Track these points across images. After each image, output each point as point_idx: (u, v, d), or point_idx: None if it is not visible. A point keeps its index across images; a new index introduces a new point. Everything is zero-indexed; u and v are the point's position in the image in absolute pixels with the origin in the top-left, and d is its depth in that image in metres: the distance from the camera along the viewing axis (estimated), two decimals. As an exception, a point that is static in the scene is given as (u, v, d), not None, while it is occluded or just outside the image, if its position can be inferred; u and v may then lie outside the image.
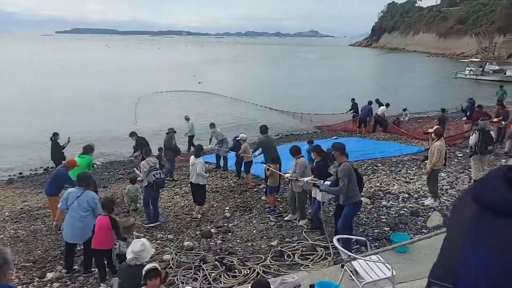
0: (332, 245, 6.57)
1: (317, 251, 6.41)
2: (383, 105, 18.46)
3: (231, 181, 11.71)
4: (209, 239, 7.65)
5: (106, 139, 18.46)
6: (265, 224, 8.27)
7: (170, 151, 12.48)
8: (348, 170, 5.96)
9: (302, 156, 8.34)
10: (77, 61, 67.80)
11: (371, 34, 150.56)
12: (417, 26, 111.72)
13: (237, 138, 11.84)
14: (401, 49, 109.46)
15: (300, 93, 33.33)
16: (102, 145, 16.71)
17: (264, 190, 10.22)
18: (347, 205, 6.04)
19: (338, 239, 4.57)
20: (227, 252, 6.90)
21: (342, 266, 5.39)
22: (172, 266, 6.46)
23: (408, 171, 11.55)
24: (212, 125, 13.39)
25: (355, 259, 4.34)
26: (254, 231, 7.93)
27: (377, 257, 4.62)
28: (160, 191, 9.10)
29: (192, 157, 9.08)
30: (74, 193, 6.47)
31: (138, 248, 4.47)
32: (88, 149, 9.56)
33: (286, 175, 8.53)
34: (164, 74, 47.55)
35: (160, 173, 8.61)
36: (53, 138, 12.79)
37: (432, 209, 8.16)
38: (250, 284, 3.83)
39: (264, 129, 10.02)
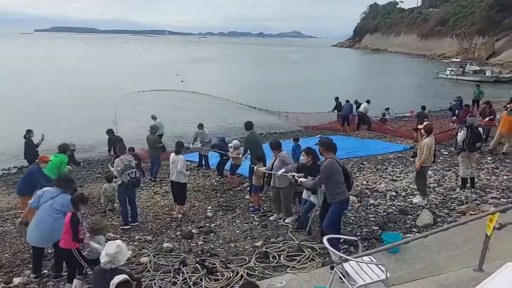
0: (319, 246, 6.26)
1: (304, 252, 6.07)
2: (363, 103, 18.40)
3: (214, 180, 11.32)
4: (190, 240, 7.25)
5: (84, 138, 17.82)
6: (249, 224, 7.91)
7: (156, 150, 11.92)
8: (330, 166, 5.64)
9: (282, 150, 8.00)
10: (56, 59, 66.31)
11: (353, 35, 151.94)
12: (398, 27, 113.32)
13: (224, 139, 11.48)
14: (383, 50, 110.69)
15: (285, 93, 33.19)
16: (79, 144, 16.06)
17: (248, 189, 9.89)
18: (333, 203, 5.73)
19: (328, 239, 4.23)
20: (208, 254, 6.51)
21: (332, 268, 5.08)
22: (150, 269, 6.04)
23: (395, 169, 11.37)
24: (201, 126, 12.70)
25: (346, 260, 4.02)
26: (237, 231, 7.56)
27: (368, 258, 4.31)
28: (137, 190, 8.64)
29: (173, 154, 8.61)
30: (50, 192, 5.98)
31: (113, 250, 4.08)
32: (63, 148, 9.01)
33: (262, 168, 8.18)
34: (146, 73, 46.78)
35: (135, 172, 8.15)
36: (26, 136, 12.19)
37: (421, 207, 7.93)
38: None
39: (249, 125, 9.61)
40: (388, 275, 4.05)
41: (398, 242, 4.69)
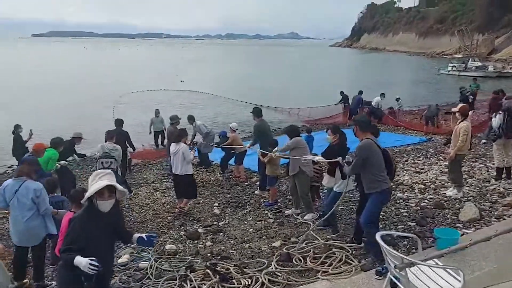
0: (351, 246, 5.30)
1: (335, 254, 5.09)
2: (376, 97, 17.44)
3: (218, 174, 10.33)
4: (196, 241, 6.26)
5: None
6: (263, 221, 6.93)
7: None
8: (366, 148, 4.71)
9: (300, 136, 7.11)
10: (54, 61, 65.30)
11: (351, 35, 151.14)
12: (396, 26, 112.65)
13: (226, 133, 10.40)
14: (381, 49, 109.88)
15: (285, 91, 32.27)
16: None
17: (257, 183, 8.92)
18: (372, 194, 4.75)
19: (381, 236, 3.27)
20: (219, 257, 5.53)
21: (378, 274, 4.12)
22: (151, 276, 5.04)
23: (416, 161, 10.45)
24: (191, 119, 11.20)
25: (412, 264, 3.04)
26: (250, 230, 6.58)
27: (433, 261, 3.34)
28: (136, 186, 7.67)
29: (173, 144, 7.55)
30: (11, 186, 4.95)
31: None
32: (55, 143, 7.95)
33: (276, 153, 7.27)
34: (145, 74, 45.75)
35: (111, 162, 7.20)
36: (14, 131, 11.19)
37: (458, 201, 6.99)
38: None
39: (259, 112, 8.53)
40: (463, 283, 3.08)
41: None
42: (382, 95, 17.45)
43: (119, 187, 3.29)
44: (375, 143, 4.87)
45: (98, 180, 3.22)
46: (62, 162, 7.83)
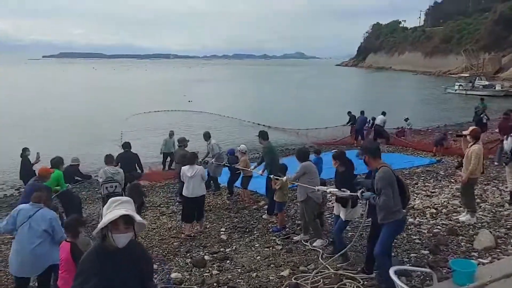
0: (362, 276, 5.12)
1: (345, 285, 4.91)
2: (379, 116, 17.36)
3: (225, 198, 10.20)
4: (202, 269, 6.11)
5: (87, 158, 16.81)
6: (271, 248, 6.77)
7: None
8: (390, 176, 4.57)
9: (310, 161, 7.00)
10: (64, 81, 66.33)
11: (357, 54, 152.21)
12: (402, 45, 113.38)
13: (234, 151, 10.16)
14: (387, 68, 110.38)
15: (293, 110, 32.31)
16: (82, 163, 15.04)
17: (265, 207, 8.78)
18: (387, 224, 4.59)
19: (395, 271, 3.12)
20: (226, 286, 5.38)
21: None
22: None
23: (426, 184, 10.24)
24: (207, 136, 10.84)
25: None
26: (258, 258, 6.41)
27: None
28: (142, 210, 7.57)
29: (188, 167, 7.47)
30: (26, 211, 4.88)
31: None
32: (56, 162, 8.01)
33: (284, 178, 7.17)
34: (154, 94, 46.19)
35: (115, 186, 7.14)
36: (22, 154, 11.21)
37: (471, 227, 6.78)
38: None
39: (265, 135, 8.46)
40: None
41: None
42: (384, 113, 17.37)
43: (138, 218, 2.71)
44: (392, 171, 4.74)
45: (114, 209, 2.70)
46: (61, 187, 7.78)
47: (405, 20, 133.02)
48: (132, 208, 2.76)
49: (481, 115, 15.98)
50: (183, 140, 10.34)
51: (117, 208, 2.69)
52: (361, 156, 5.00)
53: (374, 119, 17.63)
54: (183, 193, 7.78)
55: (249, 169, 9.27)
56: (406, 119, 18.37)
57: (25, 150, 11.31)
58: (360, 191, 4.84)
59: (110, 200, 2.83)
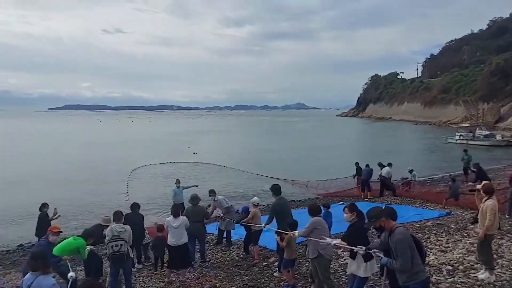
0: None
1: None
2: (385, 166, 17.33)
3: (234, 254, 9.97)
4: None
5: (96, 213, 16.67)
6: (284, 309, 6.54)
7: (199, 225, 9.42)
8: (408, 238, 4.49)
9: (320, 216, 6.90)
10: (69, 135, 67.19)
11: (357, 105, 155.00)
12: (401, 96, 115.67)
13: (248, 209, 9.68)
14: (387, 118, 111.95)
15: (297, 161, 32.44)
16: (89, 220, 14.88)
17: (276, 264, 8.56)
18: (412, 285, 4.45)
19: None
20: None
21: None
22: None
23: (439, 238, 10.03)
24: (212, 193, 10.75)
25: None
26: (271, 320, 6.19)
27: None
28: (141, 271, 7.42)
29: (171, 218, 8.27)
30: (26, 280, 4.77)
31: None
32: (86, 234, 7.97)
33: (296, 233, 6.99)
34: (158, 146, 46.64)
35: (121, 244, 7.06)
36: (41, 209, 11.08)
37: (491, 285, 6.57)
38: None
39: (277, 190, 8.40)
40: None
41: None
42: (390, 164, 17.33)
43: None
44: (407, 231, 4.68)
45: None
46: (88, 247, 7.56)
47: (403, 72, 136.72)
48: None
49: (467, 167, 16.07)
50: (195, 198, 9.70)
51: None
52: (371, 223, 4.91)
53: (380, 164, 17.49)
54: (168, 243, 8.28)
55: (259, 225, 9.09)
56: (411, 171, 18.33)
57: (44, 205, 11.19)
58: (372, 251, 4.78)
59: None
